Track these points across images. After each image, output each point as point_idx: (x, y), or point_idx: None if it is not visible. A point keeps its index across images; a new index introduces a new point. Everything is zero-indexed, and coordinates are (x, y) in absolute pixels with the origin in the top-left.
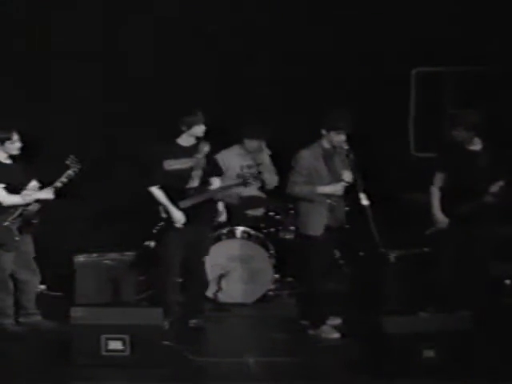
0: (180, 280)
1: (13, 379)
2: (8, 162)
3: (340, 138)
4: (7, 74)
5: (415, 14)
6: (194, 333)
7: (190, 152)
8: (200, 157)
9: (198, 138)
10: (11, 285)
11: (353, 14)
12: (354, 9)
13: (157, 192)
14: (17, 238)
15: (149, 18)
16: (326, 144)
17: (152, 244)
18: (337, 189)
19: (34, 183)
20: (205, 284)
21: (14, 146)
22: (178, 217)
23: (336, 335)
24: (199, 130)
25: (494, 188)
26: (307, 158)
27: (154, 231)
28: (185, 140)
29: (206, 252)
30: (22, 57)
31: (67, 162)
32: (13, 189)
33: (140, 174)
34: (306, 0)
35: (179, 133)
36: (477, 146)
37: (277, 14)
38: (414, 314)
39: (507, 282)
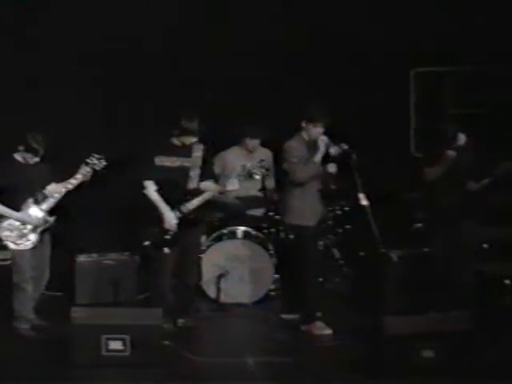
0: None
1: (13, 379)
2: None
3: (317, 131)
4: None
5: (415, 14)
6: (184, 332)
7: (181, 152)
8: (197, 155)
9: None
10: (30, 287)
11: (353, 13)
12: (354, 8)
13: (151, 192)
14: (32, 236)
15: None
16: (305, 136)
17: (167, 250)
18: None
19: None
20: (193, 284)
21: (34, 157)
22: (170, 217)
23: (328, 331)
24: (186, 140)
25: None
26: (296, 146)
27: (168, 237)
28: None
29: (197, 254)
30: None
31: (88, 161)
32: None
33: (135, 172)
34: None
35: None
36: (460, 141)
37: (273, 13)
38: (414, 314)
39: (507, 281)
